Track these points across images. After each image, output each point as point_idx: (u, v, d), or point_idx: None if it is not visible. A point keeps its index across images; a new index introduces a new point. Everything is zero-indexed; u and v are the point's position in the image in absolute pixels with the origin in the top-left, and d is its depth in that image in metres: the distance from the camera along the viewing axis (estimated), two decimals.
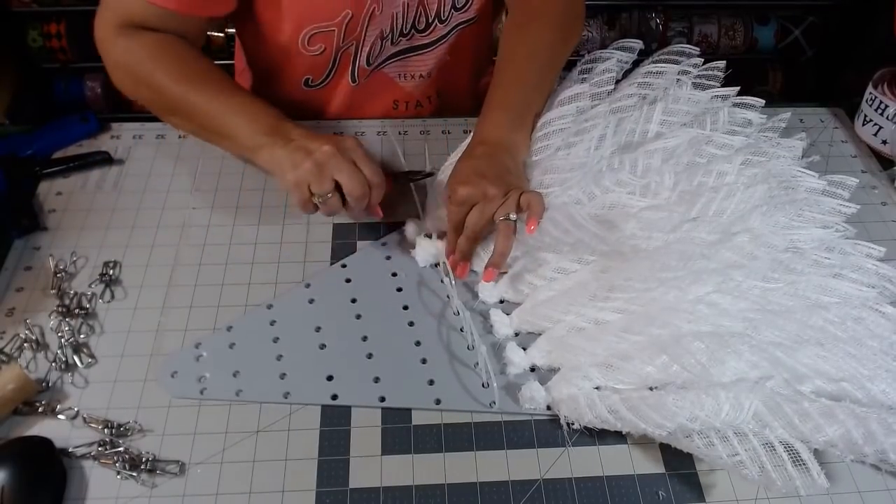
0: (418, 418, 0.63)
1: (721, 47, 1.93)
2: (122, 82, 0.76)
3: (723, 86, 0.82)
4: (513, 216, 0.66)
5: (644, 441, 0.61)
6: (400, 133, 0.88)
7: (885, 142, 0.87)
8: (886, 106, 0.85)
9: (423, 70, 0.91)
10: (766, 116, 0.81)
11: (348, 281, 0.73)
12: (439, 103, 0.97)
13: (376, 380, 0.65)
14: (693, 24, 1.92)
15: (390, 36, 0.85)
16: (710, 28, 1.92)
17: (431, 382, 0.65)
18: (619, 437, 0.62)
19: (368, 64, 0.87)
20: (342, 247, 0.76)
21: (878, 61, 0.89)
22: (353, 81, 0.88)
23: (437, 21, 0.85)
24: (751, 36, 1.93)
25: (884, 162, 0.87)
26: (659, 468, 0.60)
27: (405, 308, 0.71)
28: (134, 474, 0.58)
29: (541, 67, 0.78)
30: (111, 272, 0.72)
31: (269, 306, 0.70)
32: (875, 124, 0.87)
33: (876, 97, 0.86)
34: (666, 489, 0.59)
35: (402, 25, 0.85)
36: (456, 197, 0.68)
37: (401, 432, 0.62)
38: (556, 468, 0.60)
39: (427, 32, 0.87)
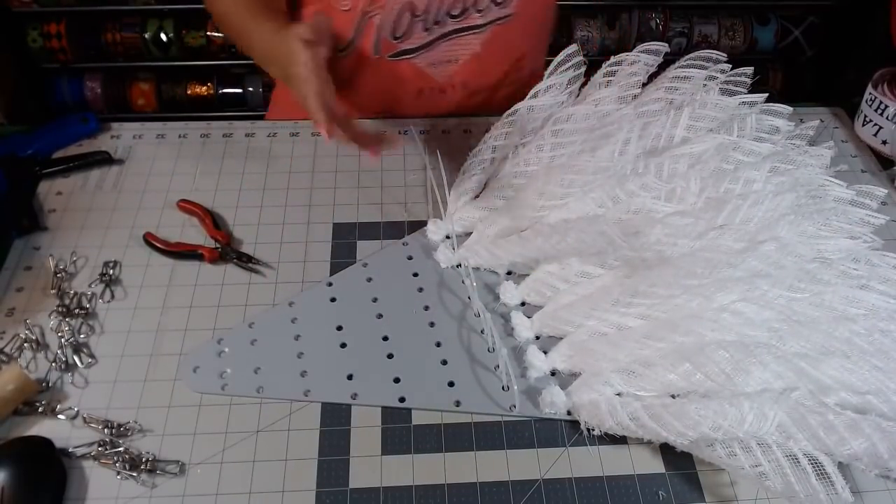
0: (418, 418, 0.63)
1: (721, 47, 1.89)
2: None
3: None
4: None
5: (644, 441, 0.61)
6: (399, 133, 0.88)
7: (885, 142, 0.87)
8: (886, 106, 0.85)
9: (451, 56, 0.91)
10: (793, 124, 0.79)
11: (370, 280, 0.73)
12: (462, 94, 0.94)
13: (396, 380, 0.65)
14: (693, 25, 1.92)
15: (424, 18, 0.85)
16: (710, 28, 1.92)
17: (451, 384, 0.65)
18: (619, 436, 0.62)
19: (395, 38, 0.86)
20: (342, 246, 0.76)
21: (878, 61, 0.89)
22: (376, 52, 0.87)
23: (473, 10, 0.86)
24: (751, 36, 1.92)
25: (884, 162, 0.87)
26: (659, 468, 0.60)
27: (426, 308, 0.71)
28: (134, 474, 0.58)
29: None
30: (111, 272, 0.72)
31: (291, 304, 0.71)
32: (875, 124, 0.87)
33: (876, 97, 0.86)
34: (666, 489, 0.59)
35: (437, 13, 0.85)
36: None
37: (401, 432, 0.62)
38: (556, 468, 0.60)
39: (460, 18, 0.86)
